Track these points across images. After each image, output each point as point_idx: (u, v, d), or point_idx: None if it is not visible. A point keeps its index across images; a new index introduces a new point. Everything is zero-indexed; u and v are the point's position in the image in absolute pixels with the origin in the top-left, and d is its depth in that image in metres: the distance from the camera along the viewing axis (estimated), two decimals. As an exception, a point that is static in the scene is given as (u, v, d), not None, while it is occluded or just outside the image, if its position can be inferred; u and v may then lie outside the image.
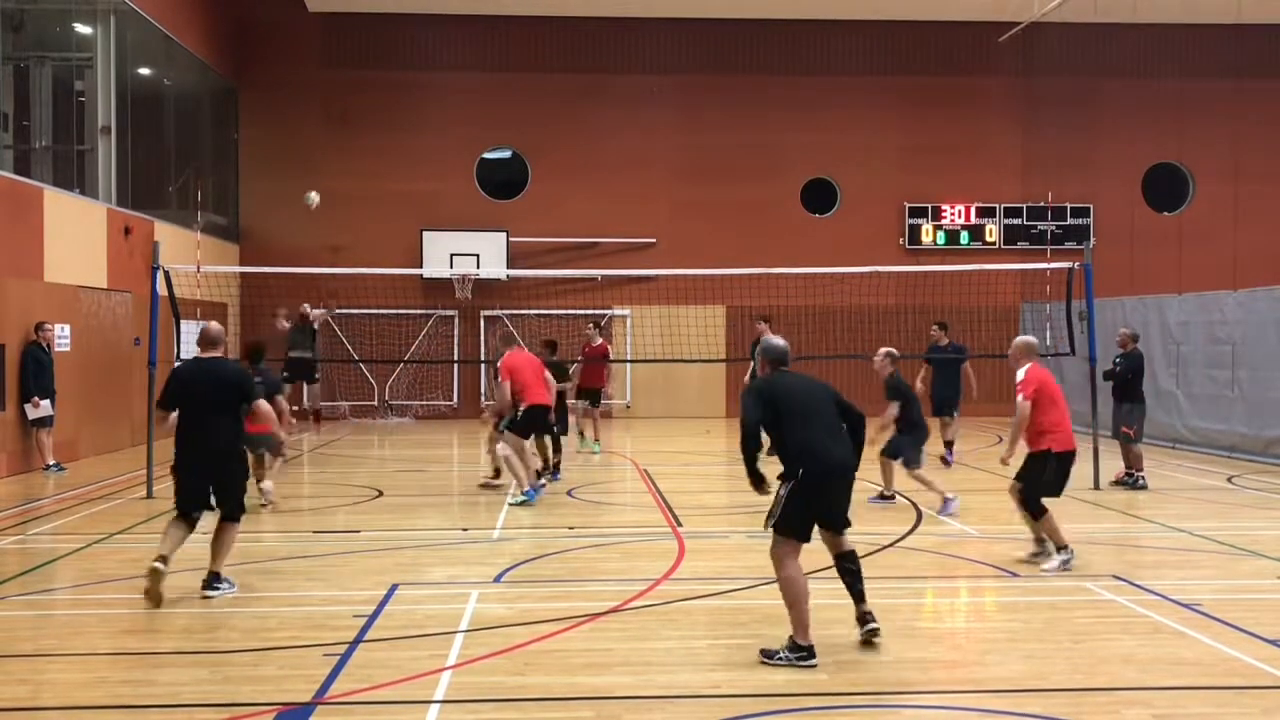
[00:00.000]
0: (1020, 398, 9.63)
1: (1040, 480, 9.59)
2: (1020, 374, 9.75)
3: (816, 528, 7.08)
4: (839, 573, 7.26)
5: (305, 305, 17.63)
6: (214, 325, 9.34)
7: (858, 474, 7.23)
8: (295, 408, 17.06)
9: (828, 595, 8.59)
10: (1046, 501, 9.61)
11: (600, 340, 18.79)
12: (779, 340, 7.64)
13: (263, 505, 12.42)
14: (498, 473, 14.37)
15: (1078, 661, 6.86)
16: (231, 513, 8.62)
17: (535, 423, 13.55)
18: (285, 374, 16.65)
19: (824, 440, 7.00)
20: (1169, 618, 7.83)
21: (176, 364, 10.77)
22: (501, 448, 13.31)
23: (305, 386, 16.79)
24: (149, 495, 13.40)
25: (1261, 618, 7.80)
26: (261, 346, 13.49)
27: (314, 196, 18.40)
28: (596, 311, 26.33)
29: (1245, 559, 10.02)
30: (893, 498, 12.98)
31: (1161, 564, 9.98)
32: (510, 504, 12.92)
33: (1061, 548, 9.41)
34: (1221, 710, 6.07)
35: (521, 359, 13.72)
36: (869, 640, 7.06)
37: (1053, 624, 7.73)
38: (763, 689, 6.40)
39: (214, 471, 8.59)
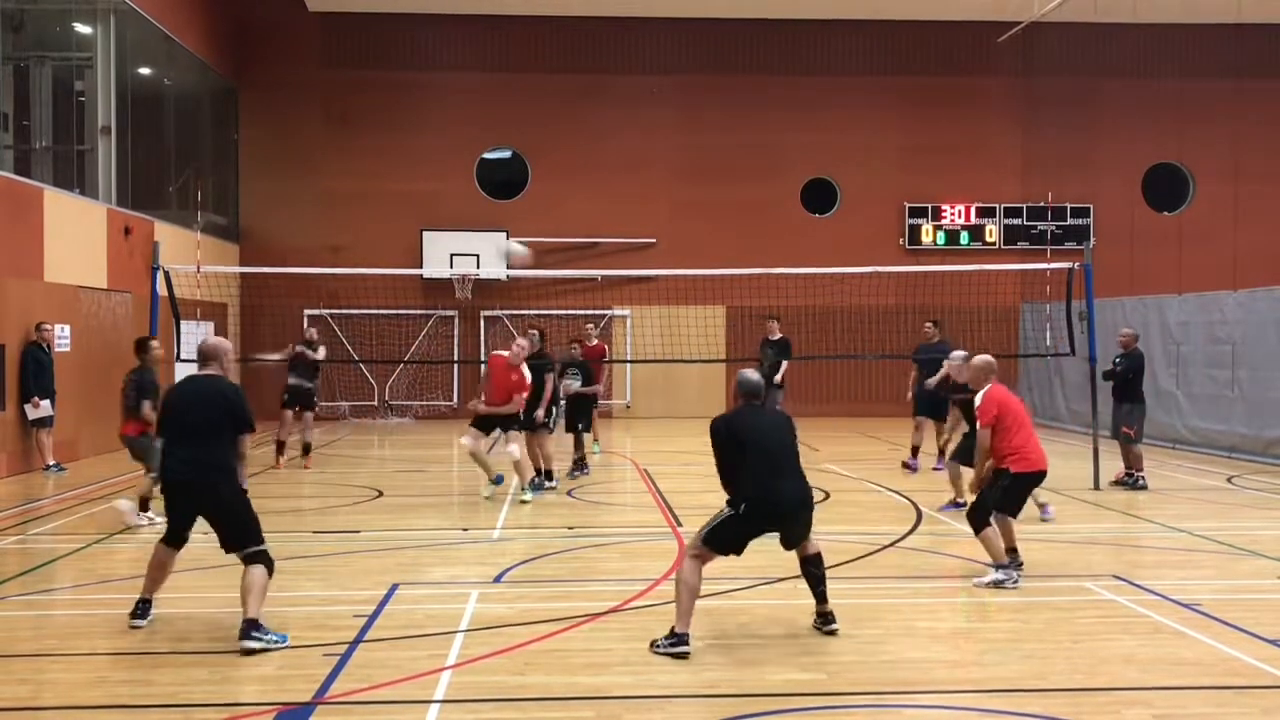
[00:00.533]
0: (978, 426, 9.18)
1: (989, 495, 9.04)
2: (978, 398, 9.22)
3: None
4: (803, 575, 7.55)
5: (311, 337, 16.96)
6: (213, 339, 8.28)
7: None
8: (293, 435, 17.01)
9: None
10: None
11: (597, 340, 18.80)
12: (753, 375, 7.83)
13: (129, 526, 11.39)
14: (549, 474, 14.30)
15: (1078, 661, 6.86)
16: (245, 549, 7.46)
17: (493, 423, 13.49)
18: (285, 397, 16.57)
19: (776, 481, 7.26)
20: (1169, 618, 7.84)
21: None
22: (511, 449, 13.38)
23: (304, 414, 16.48)
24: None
25: (1261, 618, 7.80)
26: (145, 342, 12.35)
27: (516, 249, 18.12)
28: (597, 311, 26.33)
29: (1245, 559, 10.02)
30: (964, 504, 11.91)
31: (1161, 564, 9.98)
32: (519, 500, 13.08)
33: (1000, 566, 8.86)
34: (1221, 710, 6.07)
35: (492, 361, 13.77)
36: (829, 634, 7.41)
37: (1053, 624, 7.73)
38: (762, 689, 6.40)
39: (207, 500, 7.57)
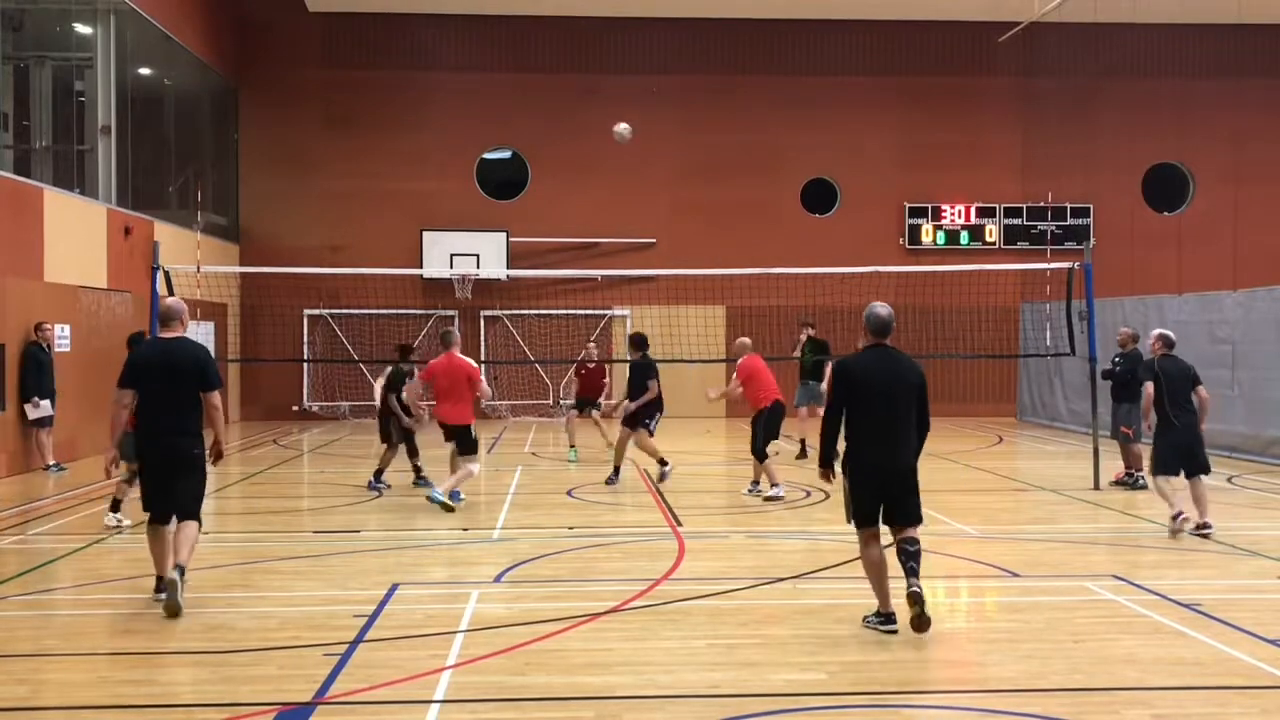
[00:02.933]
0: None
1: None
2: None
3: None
4: (897, 552, 7.47)
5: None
6: (170, 299, 8.73)
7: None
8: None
9: (828, 596, 8.60)
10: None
11: (596, 362, 19.14)
12: (882, 308, 7.65)
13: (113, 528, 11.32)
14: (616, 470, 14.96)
15: (1078, 661, 6.86)
16: (186, 509, 8.04)
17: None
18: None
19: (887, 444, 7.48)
20: (1169, 618, 7.83)
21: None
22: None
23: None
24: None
25: (1261, 618, 7.80)
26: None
27: (624, 130, 17.59)
28: (596, 311, 26.34)
29: (1245, 559, 10.02)
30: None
31: (1161, 564, 9.98)
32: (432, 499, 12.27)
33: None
34: (1222, 710, 6.07)
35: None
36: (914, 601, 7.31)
37: (1053, 624, 7.73)
38: (763, 689, 6.40)
39: (172, 466, 8.01)
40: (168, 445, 8.01)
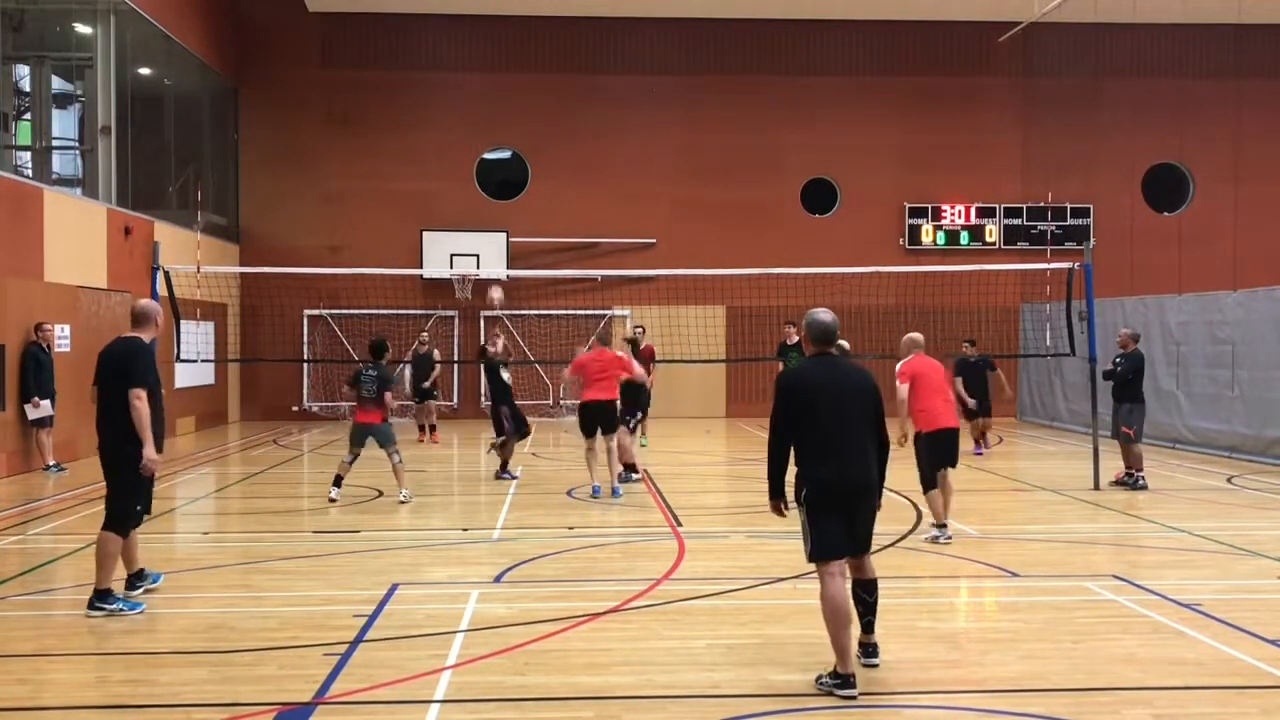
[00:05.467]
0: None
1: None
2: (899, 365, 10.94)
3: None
4: (854, 601, 6.66)
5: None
6: (141, 301, 8.63)
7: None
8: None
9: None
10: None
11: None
12: (824, 314, 6.73)
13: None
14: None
15: (1078, 661, 6.86)
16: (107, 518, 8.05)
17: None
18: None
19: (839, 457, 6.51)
20: (1169, 618, 7.83)
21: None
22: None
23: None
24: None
25: (1261, 618, 7.80)
26: (382, 343, 13.93)
27: (496, 296, 18.24)
28: (597, 311, 26.32)
29: (1245, 559, 10.01)
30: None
31: (1161, 564, 9.97)
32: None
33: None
34: (1222, 710, 6.07)
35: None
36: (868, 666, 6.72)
37: (1053, 624, 7.72)
38: (763, 689, 6.39)
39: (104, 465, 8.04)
40: (102, 446, 8.10)
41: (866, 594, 6.61)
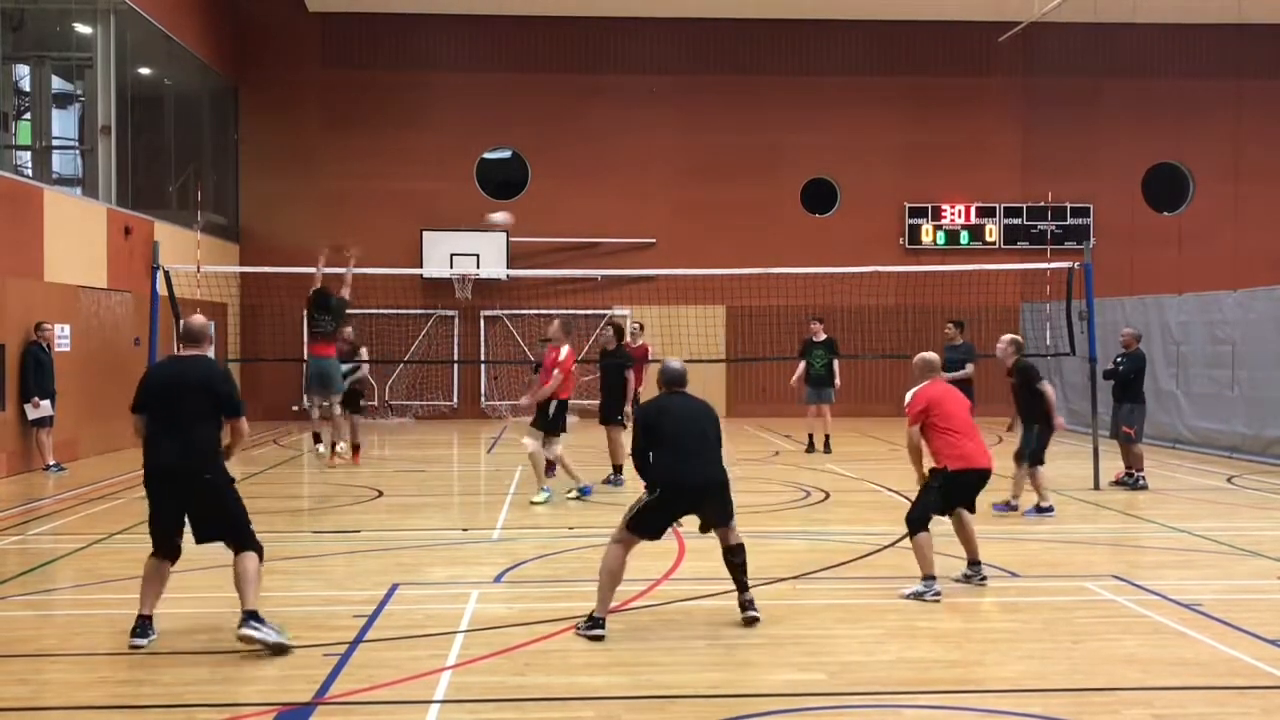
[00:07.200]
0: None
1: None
2: (909, 395, 8.99)
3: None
4: (725, 563, 7.75)
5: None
6: (198, 318, 7.79)
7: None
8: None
9: (828, 596, 8.59)
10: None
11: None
12: (677, 364, 8.05)
13: None
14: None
15: (1078, 661, 6.86)
16: (242, 542, 7.29)
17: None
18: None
19: (687, 463, 7.61)
20: (1169, 618, 7.83)
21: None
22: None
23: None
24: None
25: (1261, 618, 7.80)
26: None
27: (499, 218, 17.85)
28: (596, 311, 26.31)
29: (1245, 559, 10.02)
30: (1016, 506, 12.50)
31: (1161, 564, 9.98)
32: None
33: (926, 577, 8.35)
34: (1222, 710, 6.07)
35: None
36: (749, 623, 7.57)
37: (1053, 624, 7.73)
38: (763, 689, 6.40)
39: (192, 492, 7.21)
40: (183, 473, 7.21)
41: (734, 557, 7.70)
